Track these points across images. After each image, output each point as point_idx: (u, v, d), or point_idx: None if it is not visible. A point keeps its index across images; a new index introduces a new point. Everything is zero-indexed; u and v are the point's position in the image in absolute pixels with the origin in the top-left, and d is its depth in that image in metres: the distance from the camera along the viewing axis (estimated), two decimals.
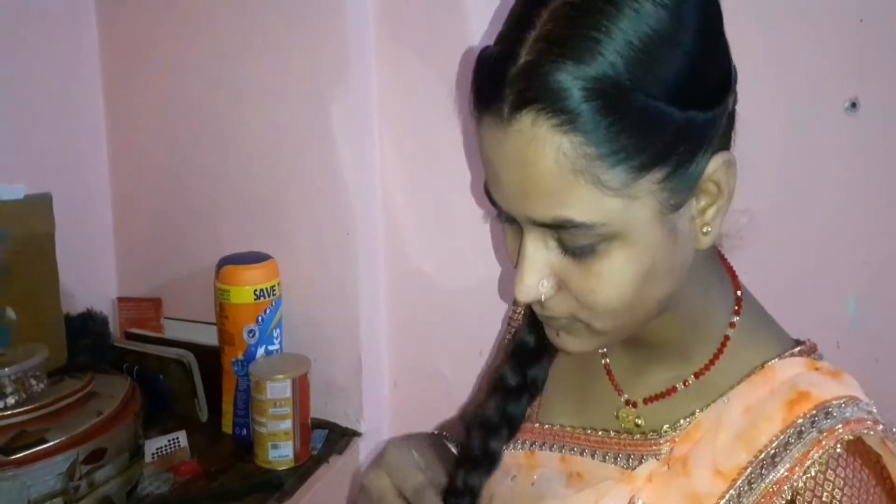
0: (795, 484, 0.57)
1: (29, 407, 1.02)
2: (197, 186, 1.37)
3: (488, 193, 0.60)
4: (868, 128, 1.01)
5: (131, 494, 1.09)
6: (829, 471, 0.57)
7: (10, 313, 1.15)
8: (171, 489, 1.12)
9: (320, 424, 1.28)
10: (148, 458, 1.17)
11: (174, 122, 1.37)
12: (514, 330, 0.86)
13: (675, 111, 0.52)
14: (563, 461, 0.70)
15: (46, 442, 0.99)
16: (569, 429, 0.71)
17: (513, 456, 0.74)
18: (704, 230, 0.58)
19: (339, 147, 1.24)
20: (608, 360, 0.73)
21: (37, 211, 1.20)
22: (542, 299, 0.58)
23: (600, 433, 0.69)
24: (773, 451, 0.58)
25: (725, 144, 0.59)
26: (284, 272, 1.29)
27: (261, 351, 1.25)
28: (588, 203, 0.53)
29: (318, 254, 1.29)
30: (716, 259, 0.68)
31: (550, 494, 0.68)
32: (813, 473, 0.57)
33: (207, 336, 1.35)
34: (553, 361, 0.77)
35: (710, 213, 0.58)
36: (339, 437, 1.27)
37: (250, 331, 1.24)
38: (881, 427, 0.58)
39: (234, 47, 1.28)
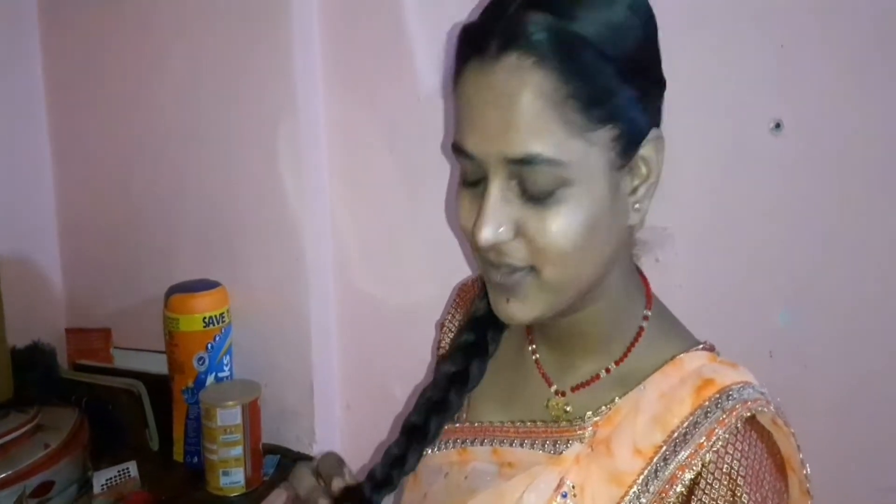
0: (704, 457, 0.63)
1: None
2: (145, 217, 1.38)
3: (458, 149, 0.65)
4: (792, 147, 1.06)
5: None
6: (730, 445, 0.63)
7: None
8: None
9: (272, 450, 1.29)
10: (97, 490, 1.16)
11: (122, 153, 1.38)
12: (448, 336, 0.89)
13: (630, 79, 0.62)
14: (495, 453, 0.73)
15: None
16: (498, 424, 0.76)
17: (445, 455, 0.77)
18: (636, 206, 0.66)
19: (287, 175, 1.25)
20: (538, 356, 0.77)
21: None
22: (501, 242, 0.63)
23: (528, 424, 0.74)
24: (684, 430, 0.65)
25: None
26: (234, 299, 1.30)
27: (211, 378, 1.25)
28: (556, 139, 0.60)
29: (268, 280, 1.30)
30: (631, 262, 0.74)
31: (483, 485, 0.71)
32: (717, 447, 0.63)
33: (158, 365, 1.35)
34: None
35: (641, 191, 0.65)
36: (291, 462, 1.28)
37: (200, 358, 1.24)
38: (772, 406, 0.66)
39: (182, 78, 1.30)
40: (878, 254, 1.06)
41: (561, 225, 0.61)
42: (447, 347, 0.87)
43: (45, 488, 1.03)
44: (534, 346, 0.78)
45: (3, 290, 1.23)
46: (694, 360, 0.69)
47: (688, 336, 0.74)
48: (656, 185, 0.66)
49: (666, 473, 0.64)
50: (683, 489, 0.64)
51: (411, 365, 1.29)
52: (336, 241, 1.32)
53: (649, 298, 0.74)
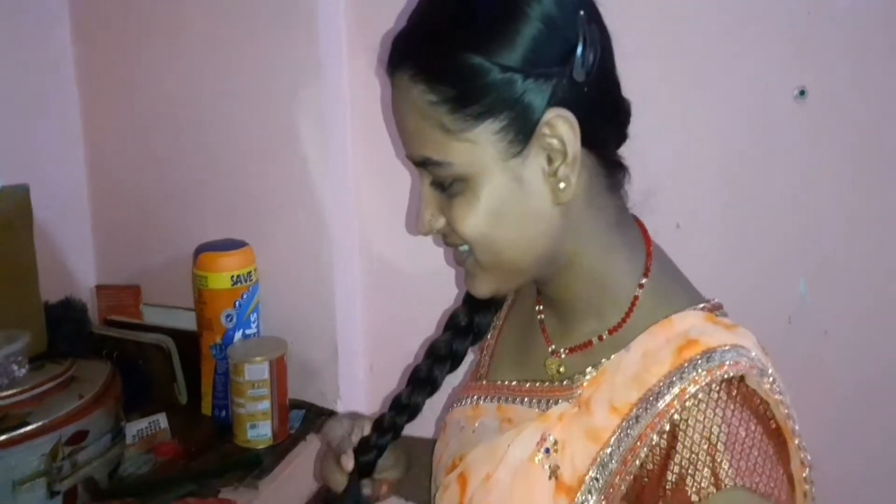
0: (673, 416, 0.63)
1: (11, 391, 1.05)
2: (174, 177, 1.40)
3: None
4: (816, 114, 1.07)
5: (113, 475, 1.13)
6: (709, 409, 0.62)
7: None
8: (153, 469, 1.16)
9: (298, 405, 1.32)
10: (129, 440, 1.20)
11: (151, 116, 1.40)
12: None
13: (498, 69, 0.63)
14: (500, 409, 0.78)
15: (29, 424, 1.02)
16: (506, 383, 0.79)
17: (463, 410, 0.82)
18: (561, 186, 0.66)
19: (312, 138, 1.27)
20: (542, 317, 0.80)
21: (15, 202, 1.22)
22: (436, 229, 0.71)
23: (528, 384, 0.77)
24: (658, 390, 0.65)
25: (581, 111, 0.65)
26: (260, 259, 1.32)
27: (238, 335, 1.28)
28: (439, 144, 0.66)
29: (293, 240, 1.32)
30: (624, 226, 0.74)
31: (486, 437, 0.76)
32: (689, 406, 0.62)
33: (185, 321, 1.38)
34: (499, 317, 0.87)
35: (562, 170, 0.66)
36: (315, 417, 1.31)
37: (228, 315, 1.27)
38: (756, 370, 0.63)
39: (208, 44, 1.31)
40: None
41: (463, 214, 0.67)
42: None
43: (79, 437, 1.06)
44: (540, 308, 0.81)
45: (37, 247, 1.26)
46: (686, 320, 0.68)
47: (691, 295, 0.73)
48: (576, 161, 0.65)
49: (635, 432, 0.64)
50: (650, 451, 0.63)
51: (435, 327, 1.32)
52: (360, 203, 1.34)
53: (647, 266, 0.73)
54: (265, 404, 1.21)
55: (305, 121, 1.27)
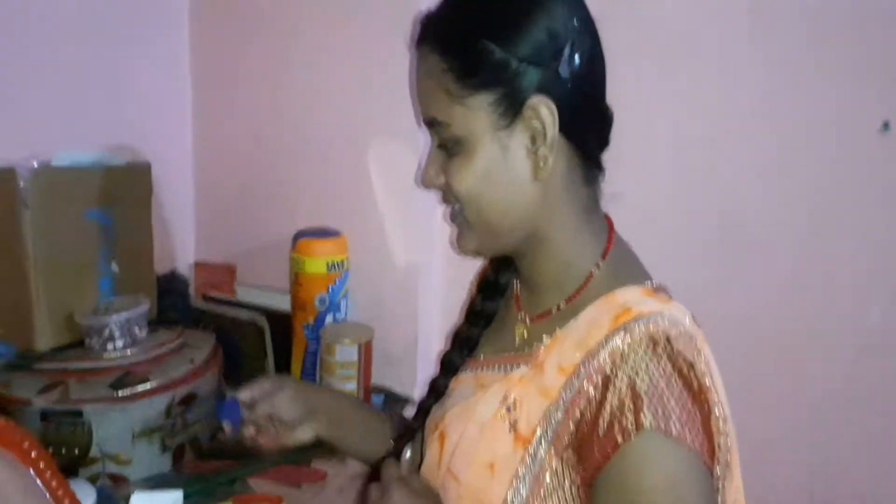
0: (606, 371, 0.72)
1: (134, 350, 1.15)
2: (275, 167, 1.50)
3: None
4: None
5: (213, 437, 1.22)
6: (636, 363, 0.71)
7: (114, 267, 1.28)
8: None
9: (377, 390, 1.40)
10: None
11: (258, 109, 1.50)
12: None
13: (499, 52, 0.74)
14: (475, 378, 0.89)
15: (150, 382, 1.12)
16: (483, 357, 0.90)
17: (454, 381, 0.93)
18: (540, 164, 0.77)
19: (404, 142, 1.35)
20: (518, 291, 0.90)
21: (137, 177, 1.33)
22: (435, 185, 0.82)
23: (500, 354, 0.87)
24: (596, 350, 0.74)
25: (562, 103, 0.75)
26: (352, 249, 1.41)
27: (329, 318, 1.37)
28: (443, 106, 0.77)
29: (383, 235, 1.40)
30: (593, 215, 0.83)
31: (461, 401, 0.87)
32: (619, 362, 0.72)
33: (275, 302, 1.47)
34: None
35: (541, 150, 0.76)
36: (393, 402, 1.39)
37: (321, 299, 1.36)
38: (677, 332, 0.73)
39: (317, 42, 1.41)
40: None
41: (457, 171, 0.78)
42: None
43: (189, 398, 1.16)
44: (517, 282, 0.90)
45: None
46: (626, 294, 0.78)
47: (638, 277, 0.82)
48: (554, 144, 0.76)
49: (576, 386, 0.74)
50: (588, 403, 0.72)
51: None
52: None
53: (608, 250, 0.82)
54: (352, 384, 1.29)
55: (400, 132, 1.34)
